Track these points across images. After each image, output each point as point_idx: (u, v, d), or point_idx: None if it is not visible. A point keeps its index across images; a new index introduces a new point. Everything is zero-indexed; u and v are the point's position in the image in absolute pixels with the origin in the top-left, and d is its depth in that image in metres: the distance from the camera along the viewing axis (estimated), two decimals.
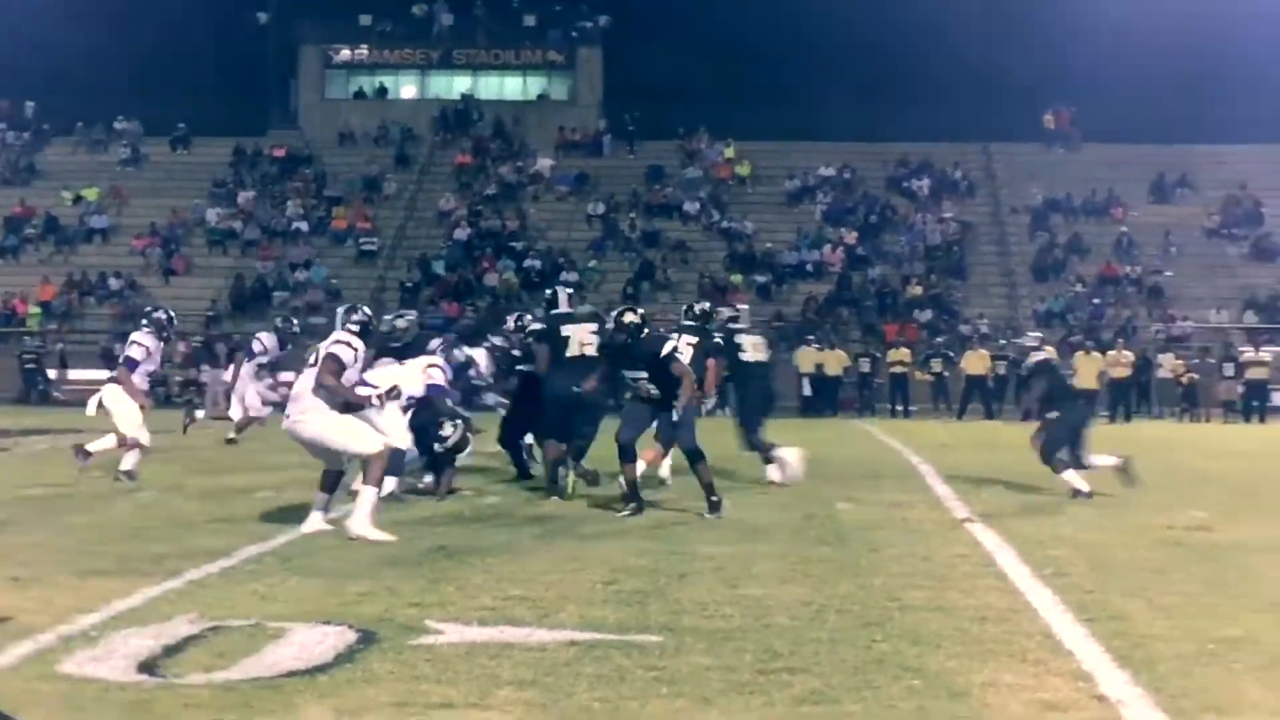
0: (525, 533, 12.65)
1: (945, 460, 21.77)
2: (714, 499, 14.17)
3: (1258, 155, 59.30)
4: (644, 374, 14.29)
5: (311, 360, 12.68)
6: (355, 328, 12.91)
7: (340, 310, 13.76)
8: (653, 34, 64.50)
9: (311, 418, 12.35)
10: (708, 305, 17.64)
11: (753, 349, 18.55)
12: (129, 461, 17.05)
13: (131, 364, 17.34)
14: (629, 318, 14.57)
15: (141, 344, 17.39)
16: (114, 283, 53.08)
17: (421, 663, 7.48)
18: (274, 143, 62.62)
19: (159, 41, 65.04)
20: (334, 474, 12.63)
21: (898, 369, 42.44)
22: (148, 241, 55.77)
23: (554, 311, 16.89)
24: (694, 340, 16.11)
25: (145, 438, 17.25)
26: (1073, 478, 16.48)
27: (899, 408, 41.88)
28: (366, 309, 13.48)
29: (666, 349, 14.44)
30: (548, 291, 17.68)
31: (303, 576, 10.10)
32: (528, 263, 53.89)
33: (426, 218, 58.24)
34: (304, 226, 56.74)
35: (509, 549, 11.57)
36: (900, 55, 62.90)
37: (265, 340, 24.47)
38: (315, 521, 12.39)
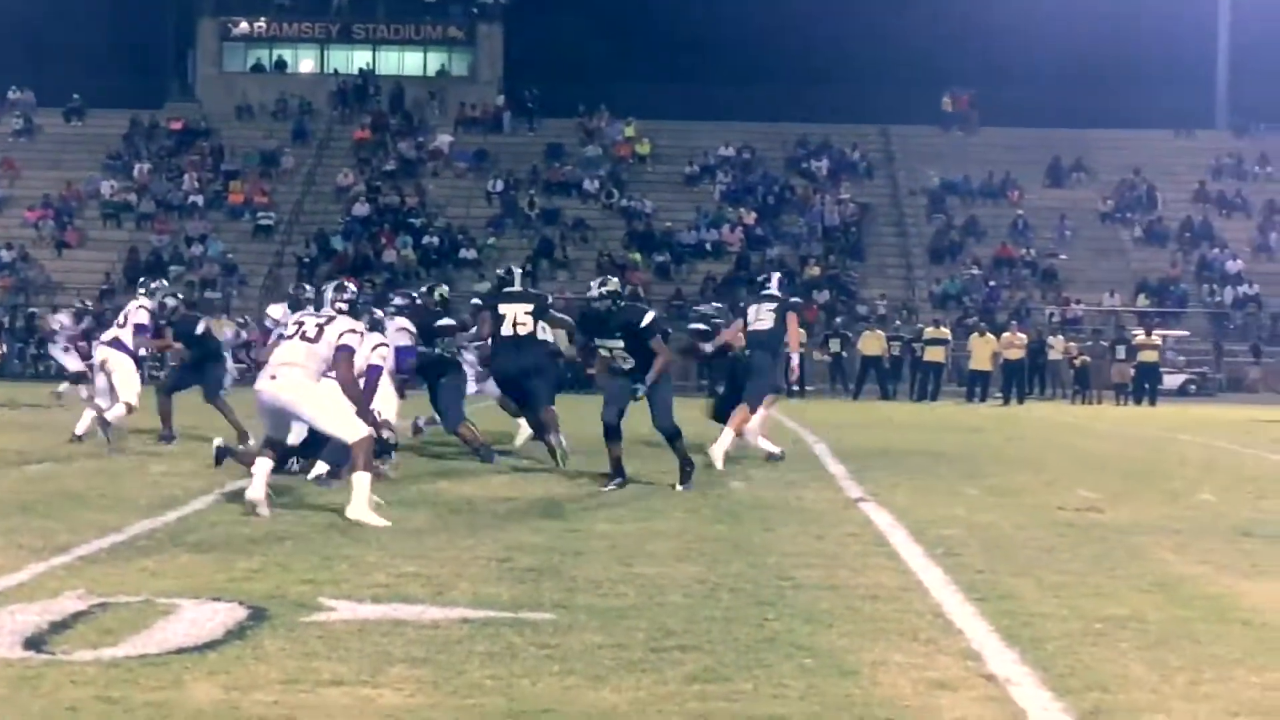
0: (421, 510, 12.59)
1: (840, 440, 21.89)
2: (688, 469, 14.57)
3: (1152, 140, 60.12)
4: (619, 343, 14.37)
5: (293, 331, 12.50)
6: (344, 305, 12.77)
7: (329, 287, 13.37)
8: (554, 11, 64.46)
9: (303, 388, 12.15)
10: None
11: None
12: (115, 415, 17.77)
13: (142, 330, 18.09)
14: (610, 286, 14.66)
15: (147, 310, 18.09)
16: (5, 254, 52.41)
17: (313, 640, 7.43)
18: (171, 115, 62.09)
19: (54, 11, 64.32)
20: (279, 443, 12.44)
21: None
22: (40, 214, 55.17)
23: (504, 289, 17.42)
24: None
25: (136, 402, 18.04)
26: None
27: (794, 387, 42.01)
28: (352, 285, 13.38)
29: (647, 319, 14.47)
30: (500, 270, 18.44)
31: (193, 553, 10.01)
32: (426, 239, 53.76)
33: (325, 193, 57.96)
34: (200, 200, 56.33)
35: (404, 526, 11.52)
36: (801, 36, 63.27)
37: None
38: (259, 488, 12.06)
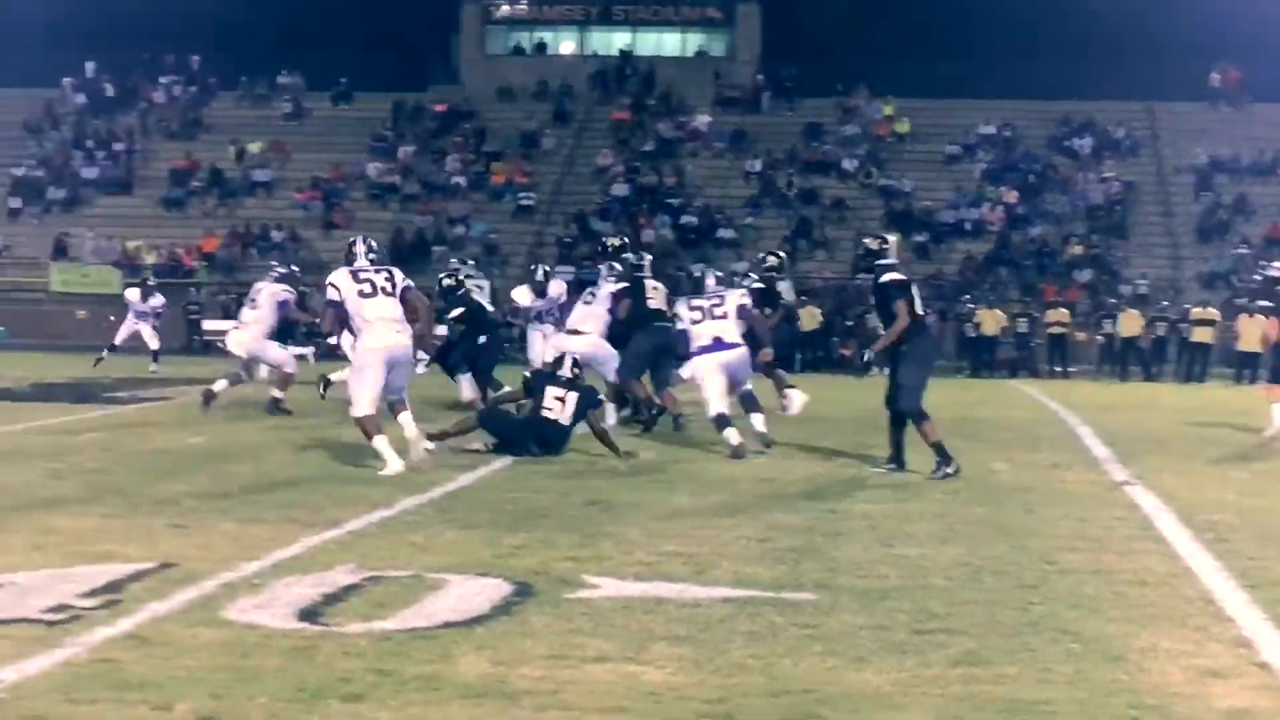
0: (682, 489, 12.66)
1: (1104, 422, 21.48)
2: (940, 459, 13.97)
3: None
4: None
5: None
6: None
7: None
8: None
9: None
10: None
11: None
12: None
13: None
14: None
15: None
16: (276, 235, 53.78)
17: (577, 616, 7.52)
18: (434, 98, 62.98)
19: None
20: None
21: (1056, 329, 41.90)
22: (309, 195, 56.45)
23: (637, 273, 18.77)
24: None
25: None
26: None
27: (1058, 368, 41.40)
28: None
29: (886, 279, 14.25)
30: (630, 254, 18.75)
31: (459, 529, 10.20)
32: (684, 219, 53.87)
33: (584, 173, 58.36)
34: (463, 181, 57.10)
35: (665, 505, 11.59)
36: (1064, 11, 62.07)
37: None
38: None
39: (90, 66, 63.40)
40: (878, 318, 14.53)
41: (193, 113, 62.02)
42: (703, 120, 60.18)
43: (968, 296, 43.50)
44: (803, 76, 61.96)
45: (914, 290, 14.31)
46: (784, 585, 8.43)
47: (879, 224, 53.67)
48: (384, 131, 60.31)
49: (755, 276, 20.48)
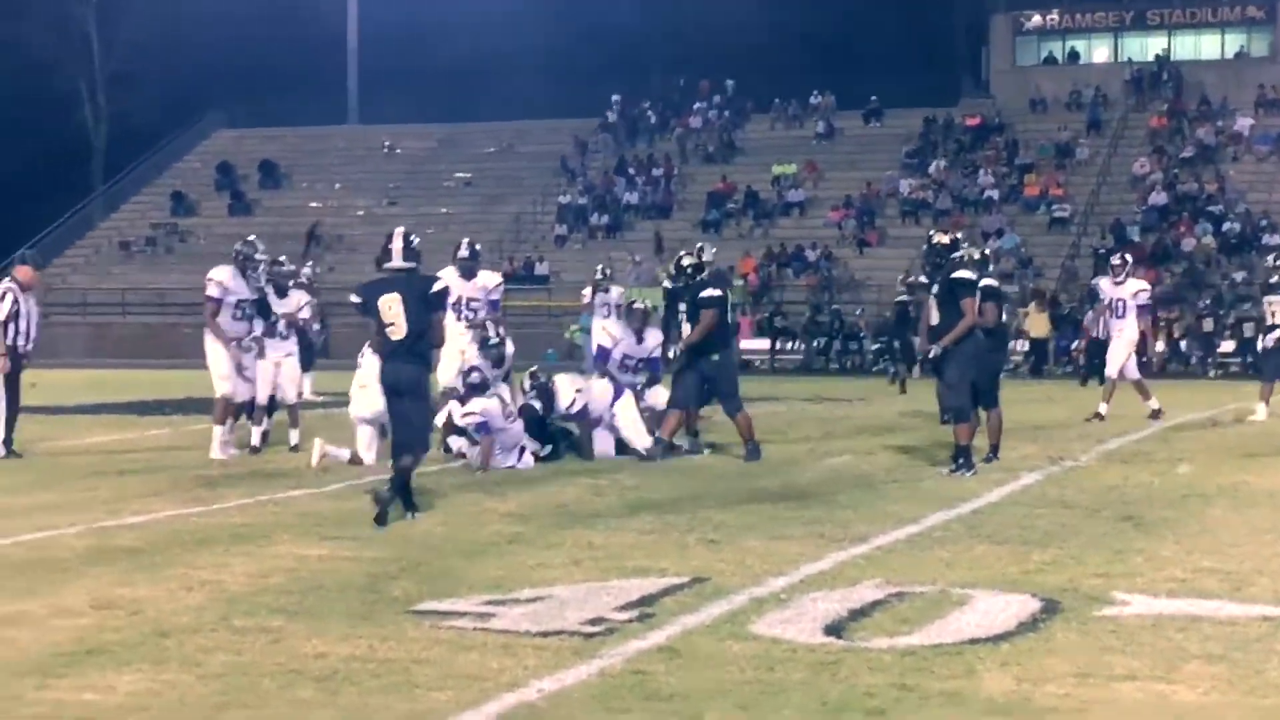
0: (1217, 503, 12.26)
1: None
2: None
3: None
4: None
5: None
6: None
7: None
8: None
9: None
10: None
11: None
12: None
13: None
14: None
15: None
16: (810, 254, 54.41)
17: (1105, 633, 7.39)
18: (965, 111, 62.73)
19: (850, 16, 66.32)
20: None
21: None
22: (843, 214, 56.92)
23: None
24: None
25: None
26: None
27: None
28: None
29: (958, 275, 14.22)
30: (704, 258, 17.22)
31: (988, 544, 10.14)
32: (1226, 226, 52.11)
33: (1120, 182, 57.12)
34: (996, 195, 56.64)
35: (1199, 520, 11.27)
36: None
37: None
38: None
39: (618, 98, 65.63)
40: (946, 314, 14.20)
41: (727, 136, 63.37)
42: (1244, 123, 58.07)
43: None
44: None
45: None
46: None
47: None
48: (916, 147, 60.36)
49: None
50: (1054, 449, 17.05)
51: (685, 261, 16.40)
